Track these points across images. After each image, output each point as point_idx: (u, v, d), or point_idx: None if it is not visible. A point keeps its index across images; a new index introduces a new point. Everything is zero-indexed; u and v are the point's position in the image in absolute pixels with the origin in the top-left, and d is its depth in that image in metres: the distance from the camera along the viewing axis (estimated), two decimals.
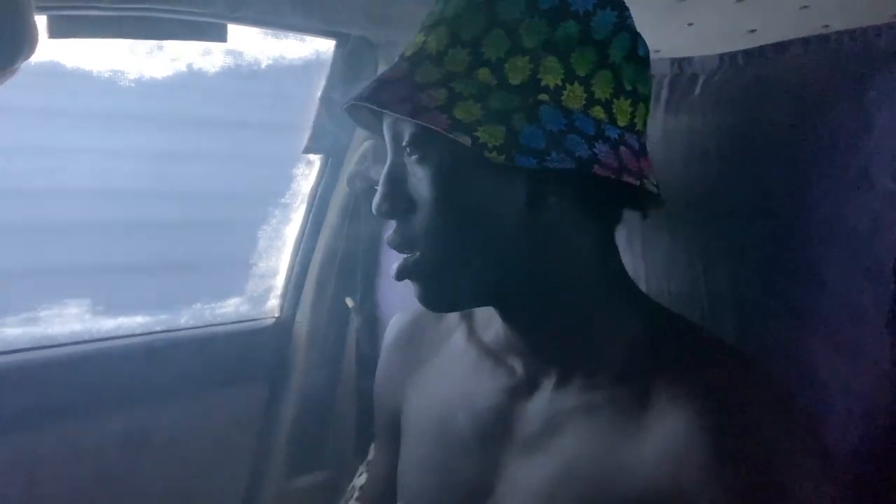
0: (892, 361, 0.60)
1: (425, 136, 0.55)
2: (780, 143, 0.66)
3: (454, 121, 0.51)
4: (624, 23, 0.56)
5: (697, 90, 0.72)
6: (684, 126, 0.71)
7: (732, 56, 0.73)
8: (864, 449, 0.60)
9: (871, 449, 0.60)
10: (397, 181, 0.58)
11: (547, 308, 0.59)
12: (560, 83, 0.53)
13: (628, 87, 0.56)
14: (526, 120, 0.52)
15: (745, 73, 0.71)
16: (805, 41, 0.68)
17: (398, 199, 0.58)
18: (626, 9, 0.57)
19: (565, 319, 0.59)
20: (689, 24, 1.05)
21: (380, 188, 0.59)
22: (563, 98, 0.53)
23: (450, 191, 0.56)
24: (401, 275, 0.59)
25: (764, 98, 0.68)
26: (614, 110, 0.55)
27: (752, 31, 1.32)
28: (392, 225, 0.60)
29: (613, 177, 0.53)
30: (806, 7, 1.17)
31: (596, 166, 0.52)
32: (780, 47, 0.70)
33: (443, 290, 0.59)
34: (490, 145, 0.51)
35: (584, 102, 0.54)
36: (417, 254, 0.58)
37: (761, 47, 0.71)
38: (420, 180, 0.56)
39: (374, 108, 0.55)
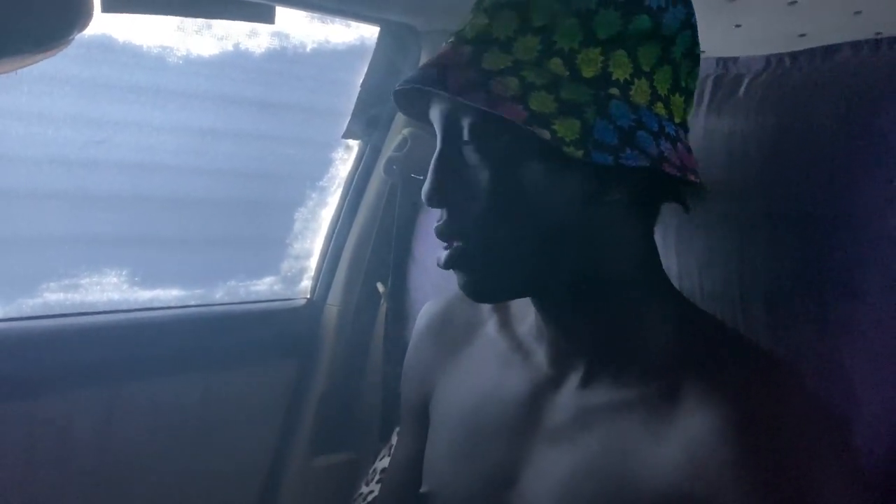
0: None
1: (489, 125, 0.54)
2: (823, 148, 0.65)
3: (531, 112, 0.50)
4: (689, 20, 0.56)
5: (742, 91, 0.72)
6: (726, 126, 0.70)
7: (779, 58, 0.72)
8: (892, 456, 0.59)
9: None
10: (450, 169, 0.56)
11: (587, 302, 0.59)
12: (629, 77, 0.53)
13: (683, 84, 0.56)
14: (598, 114, 0.51)
15: (792, 76, 0.70)
16: (855, 45, 0.67)
17: (451, 188, 0.56)
18: (692, 5, 0.57)
19: (603, 314, 0.59)
20: (737, 26, 1.03)
21: (431, 175, 0.57)
22: (631, 93, 0.53)
23: (510, 182, 0.54)
24: (449, 264, 0.58)
25: (809, 102, 0.67)
26: (672, 106, 0.55)
27: (802, 35, 1.30)
28: (434, 213, 0.60)
29: (679, 175, 0.53)
30: (859, 13, 1.15)
31: (665, 164, 0.52)
32: (830, 51, 0.69)
33: (489, 280, 0.58)
34: (567, 139, 0.50)
35: (648, 98, 0.54)
36: (467, 244, 0.57)
37: (810, 50, 0.70)
38: (478, 169, 0.55)
39: (444, 93, 0.52)
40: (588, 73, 0.52)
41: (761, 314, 0.67)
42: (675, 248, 0.73)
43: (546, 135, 0.49)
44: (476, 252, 0.57)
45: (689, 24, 0.56)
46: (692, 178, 0.54)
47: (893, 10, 1.07)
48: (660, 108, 0.54)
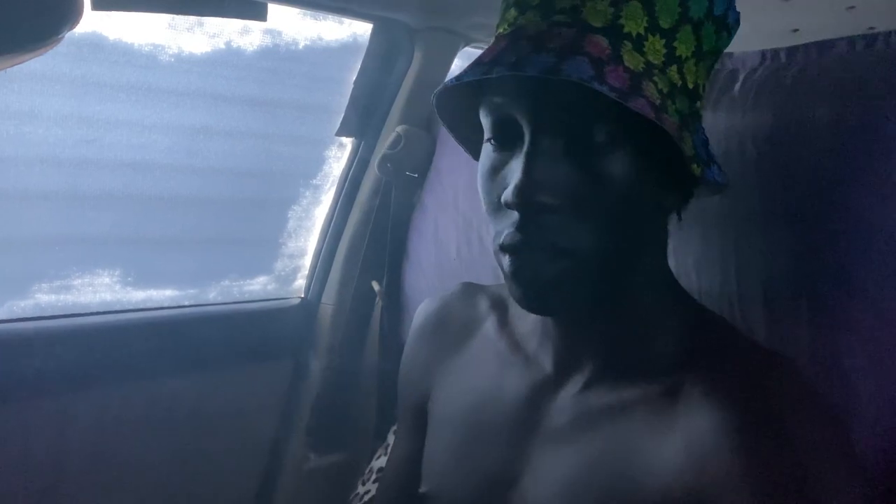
0: None
1: (623, 131, 0.50)
2: (819, 143, 0.64)
3: (676, 126, 0.48)
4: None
5: (737, 87, 0.71)
6: (722, 122, 0.70)
7: (774, 53, 0.72)
8: (891, 454, 0.59)
9: None
10: (544, 170, 0.51)
11: (605, 307, 0.57)
12: (703, 91, 0.54)
13: None
14: (694, 129, 0.51)
15: (787, 71, 0.69)
16: (850, 41, 0.67)
17: (547, 191, 0.50)
18: None
19: (617, 317, 0.58)
20: None
21: (525, 174, 0.50)
22: (700, 105, 0.54)
23: (627, 193, 0.51)
24: (539, 283, 0.52)
25: (805, 97, 0.67)
26: (703, 106, 0.57)
27: (795, 30, 1.30)
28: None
29: (725, 183, 0.55)
30: (852, 7, 1.15)
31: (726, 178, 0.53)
32: (825, 46, 0.69)
33: (571, 296, 0.54)
34: (690, 155, 0.50)
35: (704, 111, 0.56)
36: (573, 260, 0.52)
37: (805, 45, 0.70)
38: (591, 177, 0.51)
39: (611, 94, 0.46)
40: (690, 83, 0.52)
41: (758, 312, 0.67)
42: (671, 247, 0.72)
43: (688, 150, 0.49)
44: (581, 267, 0.52)
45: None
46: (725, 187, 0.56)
47: (886, 6, 1.08)
48: None
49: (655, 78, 0.50)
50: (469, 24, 1.16)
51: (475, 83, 0.54)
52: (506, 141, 0.54)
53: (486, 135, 0.56)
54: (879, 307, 0.61)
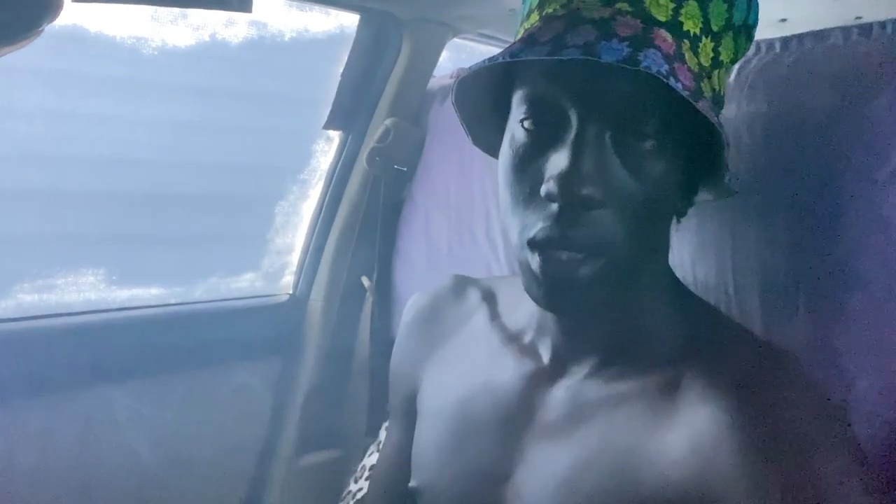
0: None
1: (674, 132, 0.50)
2: (815, 133, 0.64)
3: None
4: None
5: (732, 77, 0.71)
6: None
7: (769, 43, 0.71)
8: (888, 446, 0.59)
9: (895, 445, 0.59)
10: (590, 163, 0.48)
11: (612, 300, 0.56)
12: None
13: None
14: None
15: (782, 61, 0.69)
16: (846, 30, 0.67)
17: (593, 185, 0.48)
18: None
19: (618, 310, 0.58)
20: None
21: (574, 162, 0.48)
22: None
23: (662, 192, 0.51)
24: (569, 281, 0.50)
25: (800, 87, 0.67)
26: None
27: (783, 20, 1.30)
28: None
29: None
30: None
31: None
32: (820, 36, 0.68)
33: (594, 295, 0.52)
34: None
35: None
36: (604, 256, 0.50)
37: (800, 35, 0.70)
38: (638, 173, 0.50)
39: (684, 93, 0.46)
40: (721, 90, 0.54)
41: (755, 304, 0.67)
42: None
43: (729, 153, 0.50)
44: (616, 269, 0.51)
45: None
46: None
47: None
48: None
49: (703, 83, 0.50)
50: (457, 15, 1.15)
51: (507, 63, 0.52)
52: (545, 127, 0.51)
53: (519, 116, 0.53)
54: (876, 297, 0.61)
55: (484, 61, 0.52)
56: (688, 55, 0.49)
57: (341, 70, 1.19)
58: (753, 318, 0.67)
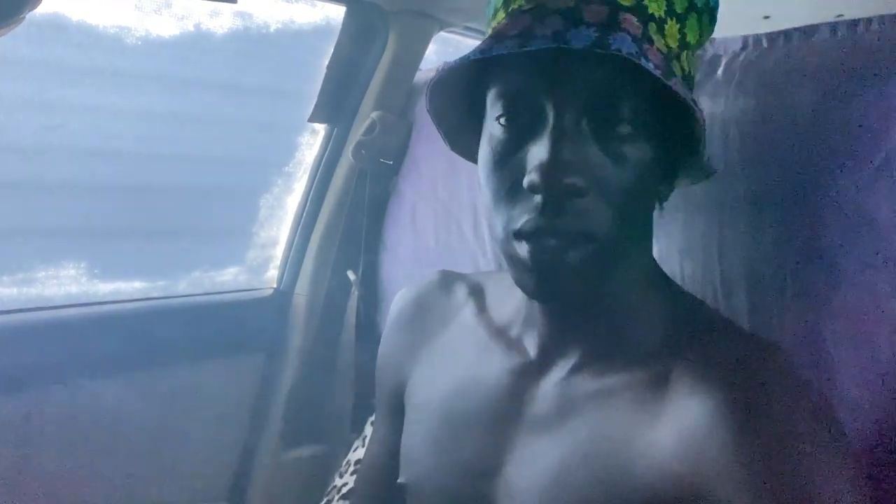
0: None
1: (649, 114, 0.50)
2: (802, 128, 0.65)
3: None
4: None
5: (720, 72, 0.71)
6: (705, 107, 0.69)
7: (756, 38, 0.72)
8: (873, 439, 0.60)
9: (880, 439, 0.60)
10: (570, 152, 0.49)
11: (598, 292, 0.56)
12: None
13: None
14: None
15: (769, 57, 0.70)
16: (833, 26, 0.67)
17: (575, 173, 0.48)
18: None
19: (602, 302, 0.58)
20: None
21: (554, 153, 0.48)
22: None
23: (642, 178, 0.51)
24: (556, 269, 0.51)
25: (787, 83, 0.67)
26: None
27: (767, 17, 1.31)
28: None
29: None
30: None
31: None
32: (807, 32, 0.69)
33: (580, 283, 0.52)
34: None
35: None
36: (593, 244, 0.51)
37: (787, 31, 0.70)
38: (618, 159, 0.50)
39: (655, 73, 0.46)
40: (691, 72, 0.54)
41: (742, 298, 0.68)
42: (654, 233, 0.72)
43: (703, 136, 0.50)
44: (603, 255, 0.51)
45: None
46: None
47: None
48: None
49: (673, 63, 0.50)
50: (445, 7, 1.14)
51: (479, 60, 0.51)
52: (522, 121, 0.52)
53: (495, 114, 0.53)
54: (862, 291, 0.61)
55: (453, 62, 0.52)
56: (655, 37, 0.49)
57: (327, 62, 1.18)
58: (741, 312, 0.67)
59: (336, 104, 1.20)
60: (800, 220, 0.64)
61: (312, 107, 1.20)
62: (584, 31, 0.46)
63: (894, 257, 0.60)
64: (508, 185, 0.52)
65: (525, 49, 0.47)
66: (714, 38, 0.74)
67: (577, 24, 0.47)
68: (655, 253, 0.70)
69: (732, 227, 0.68)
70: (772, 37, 0.71)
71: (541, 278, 0.51)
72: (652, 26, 0.49)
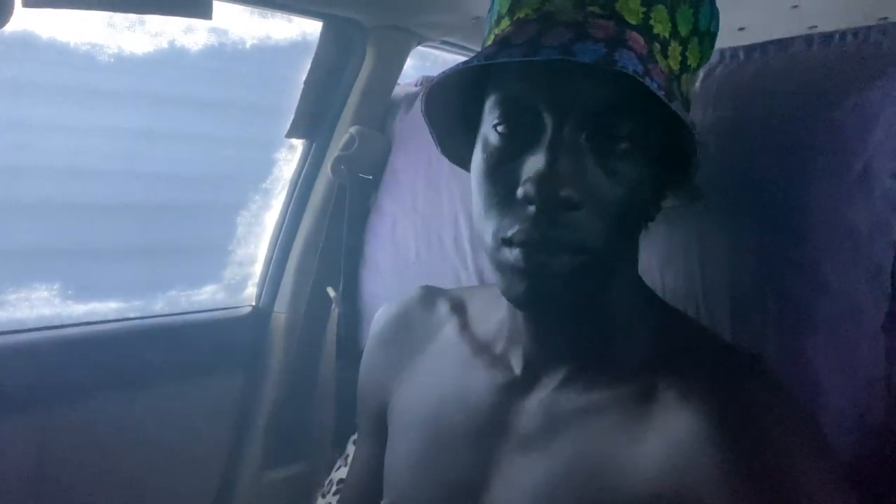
0: (886, 362, 0.60)
1: (647, 133, 0.50)
2: (780, 140, 0.65)
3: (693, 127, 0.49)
4: None
5: (697, 84, 0.71)
6: None
7: (733, 51, 0.72)
8: (856, 448, 0.60)
9: (863, 448, 0.60)
10: (567, 165, 0.48)
11: (577, 307, 0.56)
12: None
13: None
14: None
15: (746, 70, 0.70)
16: (808, 39, 0.68)
17: (570, 186, 0.48)
18: None
19: (587, 317, 0.57)
20: None
21: (552, 165, 0.48)
22: None
23: (636, 196, 0.51)
24: (545, 280, 0.50)
25: (765, 95, 0.67)
26: None
27: (742, 28, 1.33)
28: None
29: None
30: (796, 7, 1.18)
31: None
32: (782, 45, 0.69)
33: (566, 294, 0.52)
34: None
35: None
36: (584, 256, 0.51)
37: (763, 44, 0.71)
38: (616, 176, 0.50)
39: (659, 93, 0.46)
40: (688, 93, 0.54)
41: (724, 309, 0.68)
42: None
43: (699, 152, 0.50)
44: (594, 267, 0.51)
45: None
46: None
47: (829, 5, 1.10)
48: None
49: (673, 85, 0.50)
50: (422, 22, 1.15)
51: (479, 68, 0.52)
52: (520, 130, 0.51)
53: (493, 121, 0.53)
54: (843, 302, 0.61)
55: (457, 65, 0.51)
56: (659, 58, 0.50)
57: (304, 77, 1.17)
58: (723, 324, 0.67)
59: (314, 119, 1.19)
60: (780, 231, 0.65)
61: (290, 122, 1.19)
62: (591, 46, 0.46)
63: (874, 266, 0.60)
64: (502, 194, 0.51)
65: (530, 59, 0.47)
66: None
67: (584, 38, 0.47)
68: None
69: (713, 238, 0.68)
70: (748, 49, 0.71)
71: (528, 285, 0.51)
72: (656, 46, 0.50)
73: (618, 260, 0.54)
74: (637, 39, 0.49)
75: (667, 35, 0.50)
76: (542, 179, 0.47)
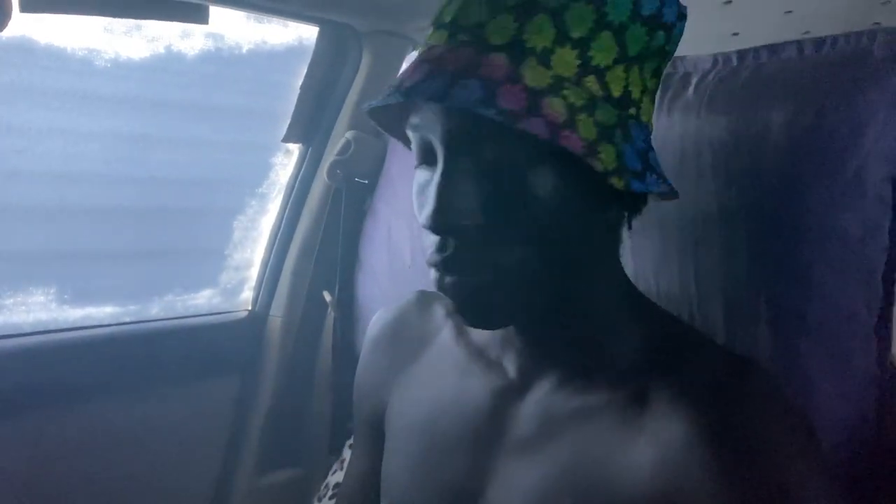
0: (879, 365, 0.60)
1: (522, 149, 0.49)
2: (773, 145, 0.65)
3: (584, 142, 0.46)
4: (682, 33, 0.55)
5: (691, 90, 0.72)
6: (677, 125, 0.71)
7: (726, 56, 0.72)
8: (850, 451, 0.60)
9: (856, 452, 0.60)
10: (459, 192, 0.50)
11: (562, 314, 0.57)
12: (640, 95, 0.51)
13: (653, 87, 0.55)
14: (624, 138, 0.49)
15: (739, 74, 0.70)
16: (799, 44, 0.68)
17: (464, 214, 0.50)
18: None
19: (576, 323, 0.58)
20: None
21: (437, 199, 0.49)
22: (641, 111, 0.52)
23: (539, 212, 0.50)
24: (461, 293, 0.52)
25: (757, 100, 0.67)
26: (645, 111, 0.54)
27: (735, 34, 1.33)
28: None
29: (670, 193, 0.53)
30: (789, 12, 1.18)
31: (672, 186, 0.52)
32: (775, 49, 0.70)
33: (503, 308, 0.54)
34: (610, 168, 0.47)
35: (650, 114, 0.53)
36: (489, 277, 0.51)
37: (755, 48, 0.71)
38: (506, 196, 0.50)
39: (498, 118, 0.45)
40: (616, 92, 0.49)
41: (718, 314, 0.68)
42: (630, 250, 0.72)
43: (599, 165, 0.47)
44: (491, 284, 0.52)
45: (679, 37, 0.56)
46: (671, 197, 0.54)
47: (822, 10, 1.11)
48: (651, 121, 0.54)
49: (566, 91, 0.48)
50: (417, 27, 1.15)
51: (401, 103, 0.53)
52: (427, 161, 0.53)
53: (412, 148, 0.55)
54: (836, 306, 0.61)
55: (369, 105, 0.54)
56: (530, 72, 0.48)
57: (300, 82, 1.18)
58: (717, 328, 0.67)
59: (310, 124, 1.20)
60: (773, 235, 0.65)
61: (286, 127, 1.19)
62: (436, 82, 0.47)
63: (866, 269, 0.60)
64: (422, 219, 0.53)
65: (383, 103, 0.50)
66: (685, 57, 0.75)
67: (436, 73, 0.48)
68: (630, 271, 0.71)
69: (707, 243, 0.68)
70: (741, 54, 0.71)
71: (458, 304, 0.54)
72: (530, 60, 0.48)
73: (571, 268, 0.54)
74: (493, 62, 0.48)
75: (548, 44, 0.48)
76: (432, 211, 0.49)
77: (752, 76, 0.69)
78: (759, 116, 0.66)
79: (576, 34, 0.48)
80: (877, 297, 0.60)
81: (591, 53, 0.48)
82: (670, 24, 0.52)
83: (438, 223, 0.49)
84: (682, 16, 0.54)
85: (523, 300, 0.53)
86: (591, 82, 0.49)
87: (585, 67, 0.48)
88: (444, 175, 0.50)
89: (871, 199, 0.60)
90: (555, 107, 0.47)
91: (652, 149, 0.54)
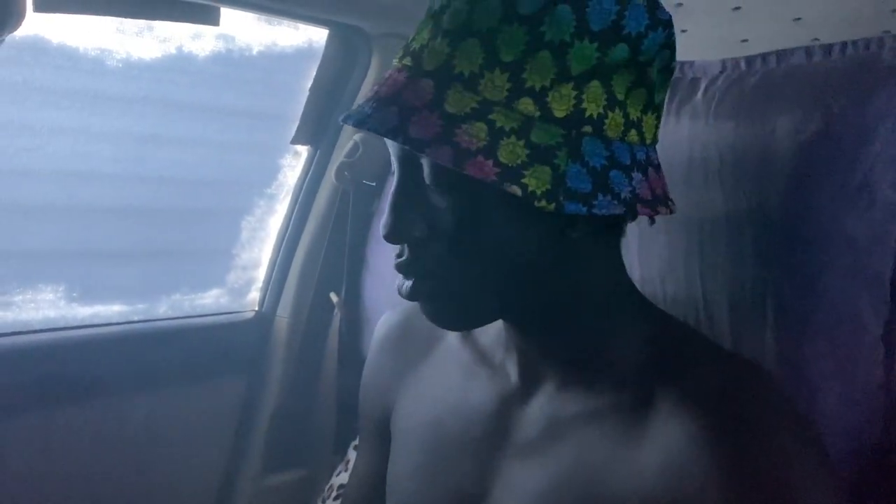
0: (885, 371, 0.60)
1: (454, 173, 0.49)
2: (781, 150, 0.65)
3: (501, 168, 0.47)
4: (669, 41, 0.53)
5: (699, 94, 0.72)
6: (685, 129, 0.71)
7: (735, 62, 0.73)
8: (855, 457, 0.60)
9: (862, 457, 0.60)
10: (410, 206, 0.54)
11: (558, 320, 0.57)
12: (602, 111, 0.49)
13: (656, 101, 0.54)
14: (570, 158, 0.48)
15: (747, 80, 0.70)
16: (808, 50, 0.68)
17: (412, 226, 0.54)
18: (672, 25, 0.53)
19: (575, 329, 0.58)
20: (683, 31, 1.05)
21: (390, 212, 0.54)
22: (605, 128, 0.50)
23: (476, 226, 0.52)
24: (413, 297, 0.57)
25: (765, 105, 0.68)
26: (644, 129, 0.53)
27: (745, 40, 1.33)
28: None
29: (650, 211, 0.51)
30: (798, 19, 1.18)
31: (638, 205, 0.50)
32: (783, 55, 0.70)
33: (457, 312, 0.57)
34: (538, 192, 0.47)
35: (622, 129, 0.51)
36: (432, 281, 0.56)
37: (764, 54, 0.71)
38: (442, 211, 0.53)
39: (405, 146, 0.49)
40: (560, 111, 0.48)
41: (724, 317, 0.68)
42: (637, 254, 0.73)
43: (517, 191, 0.47)
44: (441, 290, 0.56)
45: (668, 45, 0.53)
46: (662, 210, 0.53)
47: (831, 18, 1.11)
48: (633, 135, 0.51)
49: (494, 115, 0.48)
50: None
51: None
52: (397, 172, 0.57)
53: None
54: (842, 311, 0.61)
55: (344, 116, 0.55)
56: (454, 98, 0.48)
57: (310, 84, 1.18)
58: (723, 332, 0.67)
59: (319, 126, 1.20)
60: (780, 241, 0.65)
61: (295, 129, 1.20)
62: (366, 108, 0.51)
63: (873, 274, 0.60)
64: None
65: (353, 124, 0.52)
66: (693, 62, 0.75)
67: (372, 98, 0.52)
68: (637, 275, 0.71)
69: (714, 248, 0.69)
70: (749, 60, 0.71)
71: (424, 310, 0.58)
72: (455, 86, 0.49)
73: (521, 277, 0.54)
74: (418, 88, 0.49)
75: (475, 69, 0.48)
76: (383, 222, 0.54)
77: (760, 82, 0.69)
78: (767, 122, 0.66)
79: (507, 57, 0.48)
80: (884, 303, 0.60)
81: (524, 76, 0.48)
82: (635, 34, 0.50)
83: (388, 233, 0.54)
84: (659, 24, 0.51)
85: (483, 305, 0.57)
86: (525, 104, 0.48)
87: (519, 90, 0.48)
88: (396, 188, 0.55)
89: (878, 205, 0.60)
90: (472, 132, 0.47)
91: (620, 164, 0.51)
